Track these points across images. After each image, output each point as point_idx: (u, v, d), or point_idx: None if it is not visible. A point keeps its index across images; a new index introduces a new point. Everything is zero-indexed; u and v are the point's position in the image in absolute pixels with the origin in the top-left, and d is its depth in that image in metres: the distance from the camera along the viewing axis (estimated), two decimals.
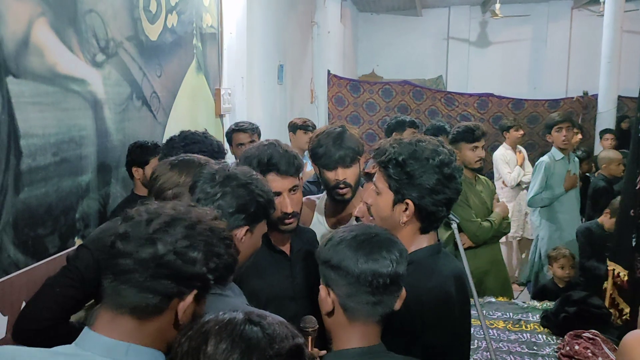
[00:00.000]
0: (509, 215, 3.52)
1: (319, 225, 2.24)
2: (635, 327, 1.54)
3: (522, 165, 5.45)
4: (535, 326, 2.62)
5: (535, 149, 6.44)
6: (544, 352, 2.38)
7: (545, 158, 4.31)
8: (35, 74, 2.17)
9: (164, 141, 2.28)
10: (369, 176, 1.56)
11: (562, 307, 2.58)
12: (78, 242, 2.40)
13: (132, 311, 1.01)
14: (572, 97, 7.21)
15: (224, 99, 4.23)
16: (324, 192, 2.30)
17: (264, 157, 1.80)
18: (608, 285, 2.71)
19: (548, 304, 2.84)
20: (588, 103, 7.06)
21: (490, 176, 5.02)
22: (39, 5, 2.19)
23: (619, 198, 3.65)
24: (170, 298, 1.02)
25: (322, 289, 1.27)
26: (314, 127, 4.18)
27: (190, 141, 2.11)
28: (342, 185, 2.08)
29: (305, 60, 7.00)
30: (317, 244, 2.10)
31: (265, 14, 5.27)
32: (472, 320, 2.43)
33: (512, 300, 2.97)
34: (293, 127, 4.28)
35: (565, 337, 2.39)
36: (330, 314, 1.26)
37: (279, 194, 1.76)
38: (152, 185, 1.69)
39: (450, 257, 1.59)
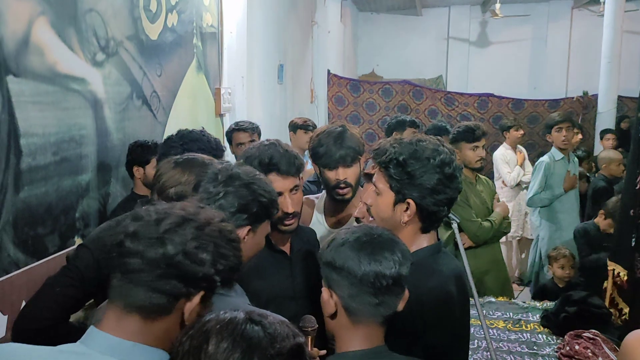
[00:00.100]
0: (509, 215, 3.52)
1: (319, 224, 2.24)
2: (635, 327, 1.53)
3: (522, 165, 5.45)
4: (535, 326, 2.62)
5: (535, 149, 6.45)
6: (544, 352, 2.38)
7: (545, 158, 4.31)
8: (35, 73, 2.16)
9: (163, 142, 2.28)
10: (368, 177, 1.55)
11: (562, 307, 2.58)
12: (78, 241, 2.40)
13: (139, 310, 1.01)
14: (572, 97, 7.22)
15: (224, 98, 4.23)
16: (323, 192, 2.29)
17: (265, 157, 1.80)
18: (608, 285, 2.71)
19: (548, 304, 2.84)
20: (588, 103, 7.07)
21: (490, 176, 5.02)
22: (39, 4, 2.19)
23: (613, 199, 3.67)
24: (177, 298, 1.02)
25: (325, 291, 1.26)
26: (314, 126, 4.18)
27: (188, 139, 2.11)
28: (342, 185, 2.07)
29: (305, 60, 7.00)
30: (317, 243, 2.10)
31: (266, 13, 5.26)
32: (472, 320, 2.44)
33: (512, 300, 2.97)
34: (293, 127, 4.28)
35: (565, 337, 2.39)
36: (333, 316, 1.25)
37: (280, 194, 1.75)
38: (155, 183, 1.69)
39: (450, 257, 1.59)
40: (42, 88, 2.21)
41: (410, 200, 1.44)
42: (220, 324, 0.92)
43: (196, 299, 1.03)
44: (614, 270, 2.66)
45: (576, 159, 4.48)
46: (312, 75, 7.21)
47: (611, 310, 2.63)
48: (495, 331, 2.56)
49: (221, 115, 4.27)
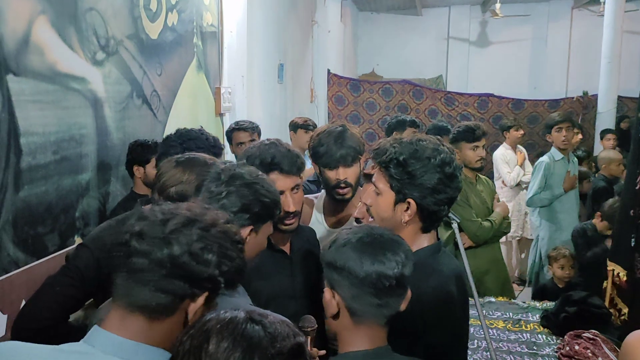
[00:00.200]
0: (509, 215, 3.52)
1: (318, 224, 2.24)
2: (634, 328, 1.53)
3: (522, 165, 5.45)
4: (535, 326, 2.62)
5: (535, 149, 6.45)
6: (544, 352, 2.37)
7: (544, 158, 4.31)
8: (35, 72, 2.16)
9: (162, 141, 2.28)
10: (368, 177, 1.55)
11: (562, 307, 2.57)
12: (78, 240, 2.40)
13: (143, 310, 1.01)
14: (572, 97, 7.22)
15: (224, 97, 4.23)
16: (322, 191, 2.29)
17: (266, 157, 1.80)
18: (608, 285, 2.71)
19: (548, 304, 2.84)
20: (588, 103, 7.07)
21: (490, 176, 5.02)
22: (39, 3, 2.18)
23: (609, 202, 3.67)
24: (182, 299, 1.02)
25: (327, 292, 1.25)
26: (315, 126, 4.18)
27: (186, 138, 2.11)
28: (342, 185, 2.07)
29: (305, 60, 6.99)
30: (316, 242, 2.10)
31: (266, 13, 5.26)
32: (472, 320, 2.44)
33: (512, 300, 2.97)
34: (294, 126, 4.29)
35: (565, 337, 2.39)
36: (336, 316, 1.25)
37: (281, 192, 1.75)
38: (156, 182, 1.69)
39: (450, 257, 1.59)
40: (42, 87, 2.20)
41: (410, 200, 1.44)
42: (220, 324, 0.92)
43: (200, 300, 1.04)
44: (613, 270, 2.66)
45: (575, 159, 4.48)
46: (312, 75, 7.21)
47: (611, 310, 2.63)
48: (495, 331, 2.56)
49: (221, 115, 4.27)
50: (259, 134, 3.53)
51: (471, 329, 2.46)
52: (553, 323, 2.56)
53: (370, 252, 1.22)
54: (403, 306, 1.25)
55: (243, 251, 1.11)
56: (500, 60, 9.89)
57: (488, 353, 2.27)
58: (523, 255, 5.63)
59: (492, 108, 7.02)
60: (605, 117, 6.76)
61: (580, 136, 5.53)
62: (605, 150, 5.59)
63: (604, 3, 6.96)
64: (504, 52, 9.97)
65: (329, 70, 7.14)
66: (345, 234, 1.28)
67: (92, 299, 1.91)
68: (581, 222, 4.17)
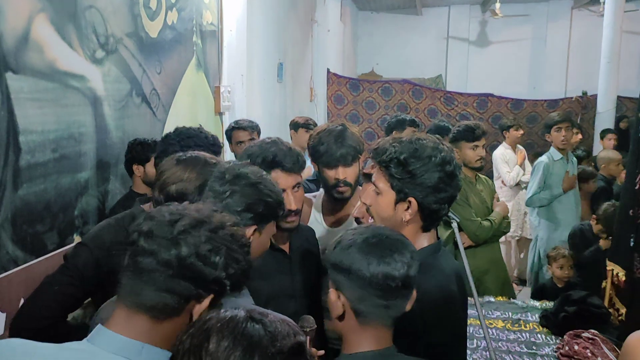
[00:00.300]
0: (508, 214, 3.52)
1: (317, 223, 2.23)
2: (632, 328, 1.53)
3: (522, 165, 5.45)
4: (535, 326, 2.62)
5: (533, 149, 6.45)
6: (543, 352, 2.37)
7: (543, 158, 4.31)
8: (34, 70, 2.16)
9: (161, 139, 2.27)
10: (367, 176, 1.55)
11: (561, 306, 2.57)
12: (77, 239, 2.40)
13: (149, 310, 1.01)
14: (571, 97, 7.22)
15: (224, 96, 4.22)
16: (321, 190, 2.29)
17: (268, 155, 1.80)
18: (607, 284, 2.71)
19: (547, 304, 2.84)
20: (587, 103, 7.07)
21: (490, 176, 5.02)
22: (38, 1, 2.18)
23: (604, 205, 3.67)
24: (187, 300, 1.02)
25: (332, 292, 1.25)
26: (315, 125, 4.18)
27: (185, 136, 2.11)
28: (341, 184, 2.07)
29: (305, 59, 6.99)
30: (315, 241, 2.10)
31: (266, 12, 5.25)
32: (472, 319, 2.44)
33: (511, 300, 2.97)
34: (295, 126, 4.29)
35: (564, 337, 2.39)
36: (341, 317, 1.24)
37: (283, 191, 1.75)
38: (156, 180, 1.69)
39: (449, 256, 1.59)
40: (42, 85, 2.20)
41: (412, 199, 1.43)
42: (221, 322, 0.92)
43: (206, 302, 1.04)
44: (612, 270, 2.66)
45: (575, 159, 4.48)
46: (312, 74, 7.20)
47: (610, 310, 2.63)
48: (494, 331, 2.56)
49: (221, 114, 4.27)
50: (259, 133, 3.53)
51: (470, 329, 2.47)
52: (552, 323, 2.56)
53: (376, 253, 1.21)
54: (408, 307, 1.24)
55: (249, 254, 1.11)
56: (499, 60, 9.88)
57: (487, 352, 2.27)
58: (522, 255, 5.64)
59: (492, 108, 7.02)
60: (605, 117, 6.76)
61: (579, 136, 5.53)
62: (604, 150, 5.60)
63: (604, 3, 6.96)
64: (503, 51, 9.96)
65: (328, 70, 7.13)
66: (350, 234, 1.27)
67: (90, 298, 1.91)
68: (580, 222, 4.17)
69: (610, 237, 3.22)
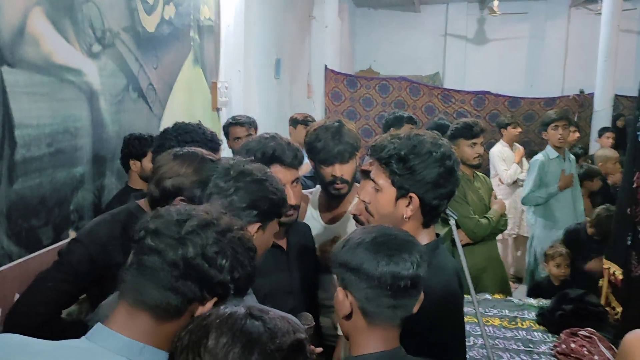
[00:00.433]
0: (506, 212, 3.51)
1: (313, 220, 2.23)
2: (628, 327, 1.53)
3: (519, 163, 5.45)
4: (531, 323, 2.62)
5: (530, 147, 6.46)
6: (540, 350, 2.37)
7: (539, 156, 4.30)
8: (30, 64, 2.14)
9: (159, 134, 2.25)
10: (365, 174, 1.53)
11: (558, 304, 2.58)
12: (72, 234, 2.38)
13: (151, 310, 0.99)
14: (569, 96, 7.22)
15: (221, 92, 4.21)
16: (317, 187, 2.28)
17: (268, 150, 1.79)
18: (604, 283, 2.71)
19: (544, 302, 2.84)
20: (584, 101, 7.07)
21: (487, 173, 5.01)
22: None
23: (598, 209, 3.67)
24: (190, 301, 1.01)
25: (340, 291, 1.23)
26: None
27: (183, 131, 2.10)
28: (338, 182, 2.06)
29: (302, 55, 6.97)
30: (311, 238, 2.09)
31: (263, 7, 5.24)
32: (469, 317, 2.44)
33: (508, 298, 2.97)
34: (294, 122, 4.29)
35: (561, 335, 2.39)
36: (348, 317, 1.23)
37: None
38: (153, 174, 1.67)
39: (447, 254, 1.58)
40: (37, 79, 2.18)
41: (413, 195, 1.42)
42: (220, 319, 0.91)
43: (209, 305, 1.03)
44: (609, 268, 2.66)
45: (573, 157, 4.48)
46: (309, 70, 7.19)
47: (606, 309, 2.64)
48: (491, 328, 2.56)
49: (218, 110, 4.25)
50: (256, 129, 3.52)
51: (467, 326, 2.47)
52: (549, 321, 2.57)
53: (385, 252, 1.19)
54: (416, 308, 1.23)
55: (255, 259, 1.10)
56: (497, 57, 9.89)
57: (484, 350, 2.27)
58: (519, 253, 5.64)
59: (489, 105, 7.02)
60: (602, 115, 6.78)
61: (577, 134, 5.53)
62: (602, 148, 5.60)
63: (602, 1, 6.97)
64: (501, 49, 9.97)
65: (326, 66, 7.11)
66: (358, 234, 1.26)
67: (85, 294, 1.89)
68: (577, 222, 4.16)
69: (602, 241, 3.23)
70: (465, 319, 1.85)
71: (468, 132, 3.20)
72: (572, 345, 2.27)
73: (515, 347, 2.40)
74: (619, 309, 2.55)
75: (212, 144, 2.12)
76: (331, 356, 2.03)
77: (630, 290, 2.46)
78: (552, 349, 2.36)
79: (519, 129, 5.58)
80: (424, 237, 1.48)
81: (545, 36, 9.76)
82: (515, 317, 2.68)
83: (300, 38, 6.83)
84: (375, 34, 10.27)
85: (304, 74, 7.06)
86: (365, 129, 7.00)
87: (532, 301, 2.89)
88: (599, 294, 2.73)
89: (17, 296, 1.95)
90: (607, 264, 2.68)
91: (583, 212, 4.30)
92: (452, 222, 1.84)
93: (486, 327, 2.55)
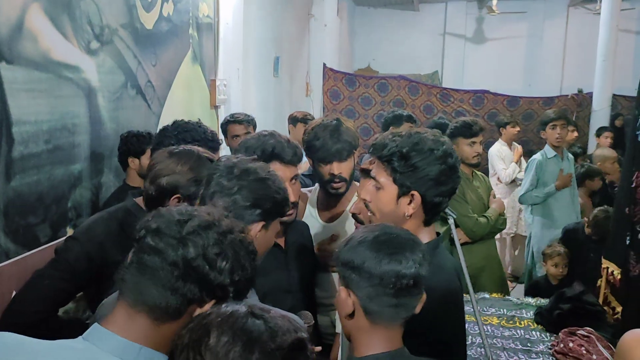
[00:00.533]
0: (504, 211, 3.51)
1: (311, 218, 2.23)
2: (628, 326, 1.53)
3: (518, 162, 5.45)
4: (529, 322, 2.62)
5: (528, 146, 6.46)
6: (538, 349, 2.37)
7: (537, 156, 4.30)
8: (28, 60, 2.13)
9: (158, 132, 2.25)
10: (365, 172, 1.53)
11: (556, 304, 2.57)
12: (70, 231, 2.37)
13: (150, 311, 0.99)
14: (567, 95, 7.23)
15: (219, 90, 4.20)
16: (316, 185, 2.28)
17: (267, 147, 1.79)
18: (602, 283, 2.71)
19: (542, 301, 2.84)
20: (582, 101, 7.08)
21: (485, 172, 5.01)
22: None
23: (596, 211, 3.67)
24: (189, 303, 1.00)
25: (342, 290, 1.23)
26: None
27: (182, 129, 2.09)
28: (337, 180, 2.06)
29: (301, 53, 6.96)
30: (310, 236, 2.09)
31: (262, 5, 5.23)
32: (467, 316, 2.43)
33: (506, 297, 2.97)
34: (293, 120, 4.28)
35: (559, 334, 2.39)
36: (350, 316, 1.22)
37: None
38: (148, 171, 1.67)
39: (446, 252, 1.58)
40: (35, 75, 2.17)
41: (415, 192, 1.42)
42: (221, 317, 0.90)
43: (207, 306, 1.02)
44: (607, 268, 2.66)
45: (571, 156, 4.48)
46: (308, 69, 7.18)
47: (605, 308, 2.64)
48: (489, 327, 2.56)
49: (216, 107, 4.25)
50: (254, 127, 3.51)
51: (466, 325, 2.47)
52: (547, 320, 2.56)
53: (388, 251, 1.19)
54: (418, 308, 1.22)
55: (255, 262, 1.10)
56: (495, 56, 9.89)
57: (483, 349, 2.27)
58: (517, 252, 5.64)
59: (487, 105, 7.02)
60: (600, 115, 6.78)
61: (575, 134, 5.53)
62: (600, 148, 5.60)
63: (600, 1, 6.97)
64: (499, 48, 9.97)
65: (324, 64, 7.10)
66: (360, 233, 1.25)
67: (82, 292, 1.89)
68: (575, 222, 4.16)
69: (600, 242, 3.23)
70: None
71: (467, 131, 3.20)
72: (571, 344, 2.27)
73: (513, 346, 2.40)
74: (619, 309, 2.54)
75: (212, 143, 2.11)
76: (329, 355, 2.03)
77: (629, 290, 2.46)
78: (550, 348, 2.36)
79: (518, 128, 5.59)
80: (425, 236, 1.47)
81: (543, 35, 9.77)
82: (514, 316, 2.68)
83: (299, 36, 6.83)
84: (374, 32, 10.27)
85: (302, 72, 7.05)
86: (364, 127, 7.00)
87: (530, 300, 2.89)
88: (597, 294, 2.73)
89: (14, 294, 1.94)
90: (605, 263, 2.68)
91: (579, 211, 4.30)
92: (451, 220, 1.84)
93: (484, 326, 2.54)
